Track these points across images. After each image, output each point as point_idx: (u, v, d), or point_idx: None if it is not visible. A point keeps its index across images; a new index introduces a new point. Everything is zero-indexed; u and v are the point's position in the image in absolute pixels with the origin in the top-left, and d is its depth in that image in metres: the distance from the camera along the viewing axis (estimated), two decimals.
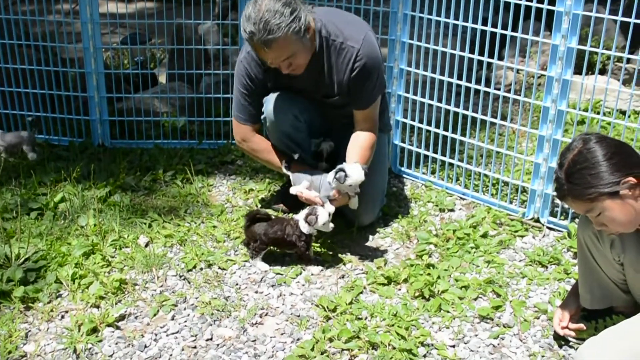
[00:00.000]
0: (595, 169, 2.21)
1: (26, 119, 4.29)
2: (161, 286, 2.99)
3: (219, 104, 4.39)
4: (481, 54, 3.48)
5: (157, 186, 3.87)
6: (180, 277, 3.05)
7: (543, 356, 2.63)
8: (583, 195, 2.24)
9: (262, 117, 3.41)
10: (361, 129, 3.32)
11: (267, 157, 3.46)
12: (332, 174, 3.07)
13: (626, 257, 2.49)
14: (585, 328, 2.66)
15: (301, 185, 3.23)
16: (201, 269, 3.11)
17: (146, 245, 3.29)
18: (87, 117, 4.39)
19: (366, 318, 2.79)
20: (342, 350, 2.60)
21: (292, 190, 3.25)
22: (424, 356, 2.59)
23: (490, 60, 3.45)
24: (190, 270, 3.09)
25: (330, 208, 3.11)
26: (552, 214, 3.53)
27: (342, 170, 3.04)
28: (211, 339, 2.67)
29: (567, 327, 2.66)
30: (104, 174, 3.93)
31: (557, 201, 3.50)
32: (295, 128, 3.40)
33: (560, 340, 2.69)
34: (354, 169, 3.05)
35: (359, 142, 3.30)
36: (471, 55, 3.50)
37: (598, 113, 3.35)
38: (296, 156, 3.36)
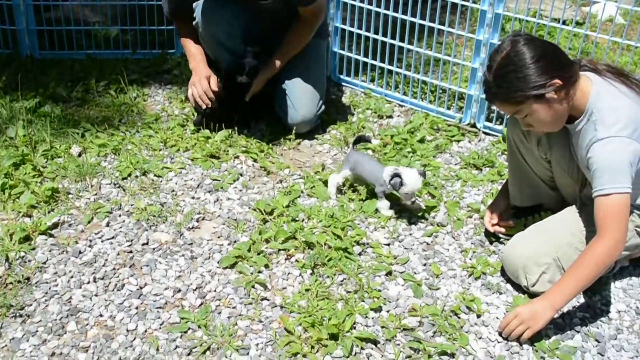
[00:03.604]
0: (523, 72, 2.21)
1: None
2: (95, 194, 2.94)
3: (153, 12, 4.23)
4: None
5: (89, 96, 3.76)
6: (115, 185, 3.01)
7: (474, 252, 2.71)
8: (510, 98, 2.26)
9: (195, 22, 3.31)
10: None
11: (185, 44, 3.48)
12: (388, 170, 2.82)
13: (553, 155, 2.55)
14: (514, 225, 2.74)
15: (340, 174, 3.01)
16: (136, 176, 3.06)
17: (79, 155, 3.21)
18: (12, 27, 4.17)
19: (303, 220, 2.81)
20: (279, 250, 2.62)
21: (331, 180, 3.01)
22: (359, 254, 2.64)
23: None
24: (125, 178, 3.04)
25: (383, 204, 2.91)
26: (488, 118, 3.58)
27: (399, 176, 2.77)
28: (147, 243, 2.65)
29: (497, 224, 2.75)
30: (32, 85, 3.79)
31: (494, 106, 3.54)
32: (228, 34, 3.31)
33: (491, 236, 2.78)
34: (411, 176, 2.76)
35: (297, 27, 3.34)
36: None
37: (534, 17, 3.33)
38: (375, 141, 3.17)
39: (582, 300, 2.49)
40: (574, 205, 2.56)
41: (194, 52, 3.43)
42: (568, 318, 2.41)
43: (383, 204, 2.88)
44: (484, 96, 3.40)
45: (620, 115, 2.21)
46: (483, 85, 2.36)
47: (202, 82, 3.27)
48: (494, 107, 3.55)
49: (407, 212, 2.90)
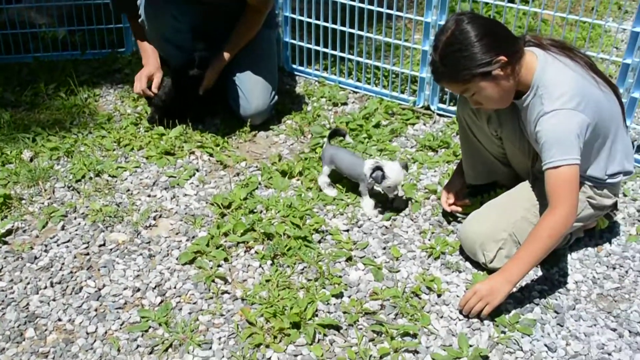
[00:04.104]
0: (468, 50, 2.22)
1: None
2: (49, 198, 2.89)
3: (100, 12, 4.16)
4: None
5: (39, 100, 3.68)
6: (69, 187, 2.96)
7: (433, 232, 2.73)
8: (457, 77, 2.28)
9: (140, 20, 3.27)
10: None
11: (139, 42, 3.50)
12: (368, 163, 2.75)
13: (503, 132, 2.58)
14: (470, 203, 2.77)
15: (323, 174, 2.93)
16: (90, 178, 3.01)
17: (31, 160, 3.15)
18: None
19: (261, 212, 2.81)
20: (238, 243, 2.61)
21: (320, 182, 2.95)
22: (319, 242, 2.65)
23: None
24: (79, 180, 3.00)
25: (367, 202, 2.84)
26: (442, 100, 3.61)
27: (380, 169, 2.70)
28: (104, 244, 2.62)
29: (454, 204, 2.77)
30: None
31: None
32: (175, 30, 3.28)
33: (449, 216, 2.80)
34: (392, 169, 2.70)
35: (245, 17, 3.32)
36: None
37: None
38: (348, 138, 3.03)
39: (540, 273, 2.53)
40: (527, 181, 2.59)
41: (146, 49, 3.44)
42: (527, 291, 2.44)
43: (367, 203, 2.81)
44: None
45: (565, 88, 2.25)
46: (430, 66, 2.37)
47: (142, 80, 3.33)
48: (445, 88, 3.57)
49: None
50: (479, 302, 2.27)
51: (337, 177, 2.98)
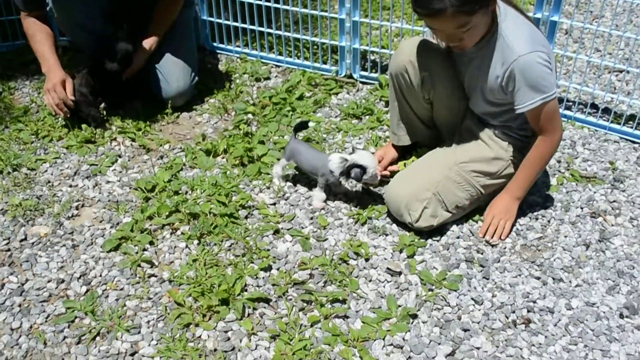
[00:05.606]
0: None
1: None
2: None
3: (9, 2, 4.01)
4: None
5: None
6: None
7: (360, 199, 2.75)
8: (470, 8, 2.20)
9: (48, 8, 3.15)
10: None
11: (35, 46, 3.21)
12: (335, 160, 2.58)
13: (436, 94, 2.62)
14: (398, 169, 2.80)
15: (279, 163, 2.82)
16: (9, 173, 2.92)
17: None
18: None
19: (186, 192, 2.78)
20: (163, 225, 2.59)
21: (273, 170, 2.83)
22: (246, 217, 2.64)
23: None
24: None
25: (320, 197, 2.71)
26: (364, 68, 3.62)
27: (357, 166, 2.52)
28: (25, 238, 2.56)
29: (385, 170, 2.81)
30: None
31: (370, 55, 3.57)
32: (86, 15, 3.17)
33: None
34: (366, 159, 2.54)
35: (161, 5, 3.26)
36: None
37: None
38: (312, 124, 2.82)
39: (465, 229, 2.57)
40: (449, 142, 2.64)
41: (45, 54, 3.17)
42: (453, 248, 2.49)
43: (319, 195, 2.70)
44: (357, 46, 3.44)
45: (525, 31, 2.33)
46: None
47: (58, 89, 3.06)
48: (369, 57, 3.58)
49: (292, 170, 2.90)
50: (500, 221, 2.50)
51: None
